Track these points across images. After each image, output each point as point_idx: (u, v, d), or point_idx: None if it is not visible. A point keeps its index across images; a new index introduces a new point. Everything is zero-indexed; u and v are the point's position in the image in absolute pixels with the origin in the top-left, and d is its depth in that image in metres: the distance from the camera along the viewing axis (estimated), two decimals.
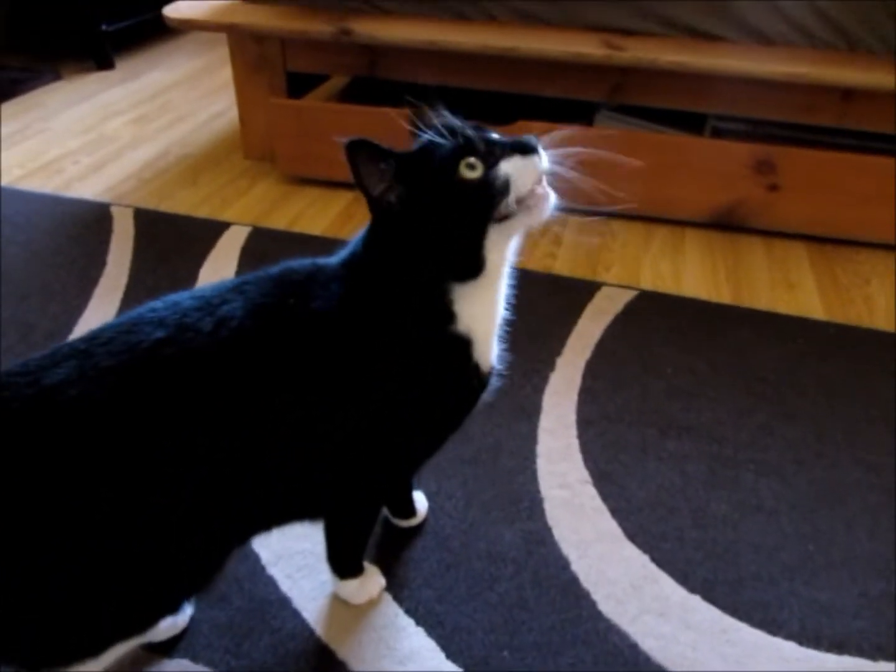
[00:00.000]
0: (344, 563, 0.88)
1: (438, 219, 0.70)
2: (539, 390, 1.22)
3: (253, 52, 1.82)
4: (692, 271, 1.57)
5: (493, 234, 0.70)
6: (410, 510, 0.99)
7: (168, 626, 0.84)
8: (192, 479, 0.66)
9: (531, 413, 1.18)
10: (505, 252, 0.74)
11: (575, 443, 1.12)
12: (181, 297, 0.72)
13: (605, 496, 1.04)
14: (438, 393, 0.78)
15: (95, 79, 2.58)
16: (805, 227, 1.67)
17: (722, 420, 1.17)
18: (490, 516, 1.01)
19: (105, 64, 2.65)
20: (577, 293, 1.46)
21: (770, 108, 1.63)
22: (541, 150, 0.72)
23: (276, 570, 0.93)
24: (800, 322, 1.40)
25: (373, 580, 0.91)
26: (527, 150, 0.71)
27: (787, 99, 1.60)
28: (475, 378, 0.79)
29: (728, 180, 1.66)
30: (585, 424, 1.16)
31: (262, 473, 0.70)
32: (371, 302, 0.73)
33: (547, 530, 0.99)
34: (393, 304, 0.73)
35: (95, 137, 2.12)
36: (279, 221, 1.69)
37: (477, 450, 1.11)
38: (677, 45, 1.60)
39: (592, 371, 1.26)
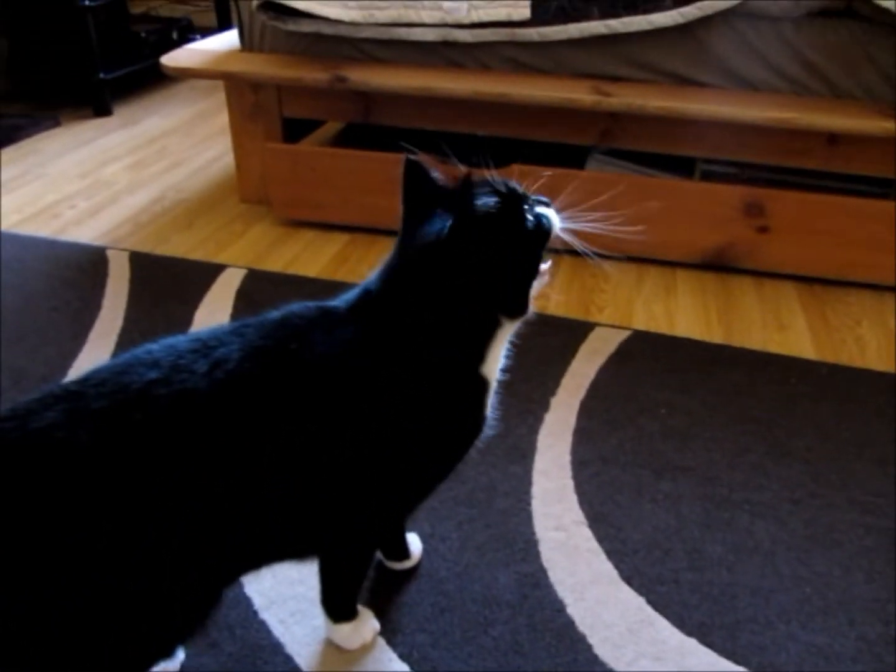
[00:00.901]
0: (339, 605, 0.87)
1: (503, 258, 0.72)
2: (534, 430, 1.22)
3: (249, 99, 1.85)
4: (684, 312, 1.58)
5: None
6: (404, 552, 0.98)
7: None
8: (183, 518, 0.65)
9: (526, 453, 1.17)
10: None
11: (570, 484, 1.12)
12: (178, 339, 0.72)
13: (601, 538, 1.03)
14: (452, 432, 0.79)
15: (93, 125, 2.62)
16: (795, 268, 1.69)
17: (716, 461, 1.17)
18: (485, 559, 1.00)
19: (103, 111, 2.70)
20: (570, 333, 1.47)
21: (758, 152, 1.67)
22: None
23: (268, 615, 0.92)
24: (792, 362, 1.41)
25: (366, 624, 0.89)
26: (548, 203, 0.80)
27: (774, 143, 1.63)
28: (483, 420, 0.81)
29: (718, 222, 1.69)
30: (580, 465, 1.15)
31: (257, 511, 0.69)
32: (396, 339, 0.73)
33: (542, 572, 0.98)
34: (428, 341, 0.74)
35: (92, 182, 2.15)
36: (275, 264, 1.70)
37: (471, 490, 1.10)
38: (664, 91, 1.64)
39: (587, 411, 1.27)
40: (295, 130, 1.96)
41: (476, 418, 0.80)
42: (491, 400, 0.82)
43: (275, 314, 0.75)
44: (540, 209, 0.77)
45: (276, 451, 0.68)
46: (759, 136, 1.62)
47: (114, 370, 0.68)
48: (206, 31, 3.20)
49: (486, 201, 0.72)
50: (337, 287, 1.59)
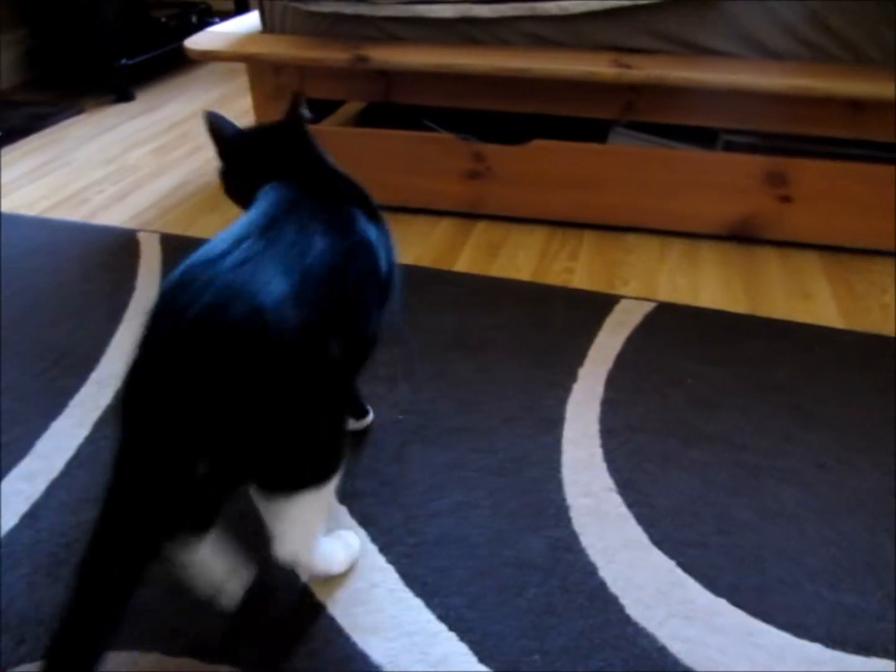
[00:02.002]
0: (328, 456, 0.81)
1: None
2: (562, 401, 1.24)
3: (271, 81, 1.86)
4: (709, 283, 1.59)
5: None
6: (363, 410, 1.17)
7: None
8: None
9: (555, 423, 1.20)
10: None
11: (599, 452, 1.14)
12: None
13: (630, 504, 1.05)
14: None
15: (116, 111, 2.65)
16: (819, 237, 1.69)
17: (742, 428, 1.19)
18: (517, 525, 1.02)
19: (125, 97, 2.73)
20: (596, 306, 1.48)
21: (780, 122, 1.66)
22: None
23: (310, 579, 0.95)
24: (817, 331, 1.42)
25: (347, 542, 0.97)
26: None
27: (796, 112, 1.62)
28: None
29: (741, 193, 1.69)
30: (609, 434, 1.17)
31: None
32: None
33: (574, 537, 1.00)
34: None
35: (118, 168, 2.18)
36: None
37: (502, 461, 1.13)
38: (686, 61, 1.63)
39: (614, 382, 1.28)
40: (316, 111, 1.97)
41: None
42: None
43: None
44: None
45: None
46: (781, 105, 1.61)
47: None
48: (225, 15, 3.21)
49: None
50: None
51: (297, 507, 0.79)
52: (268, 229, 0.80)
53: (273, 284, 0.72)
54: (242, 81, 2.85)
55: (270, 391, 0.70)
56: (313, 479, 0.78)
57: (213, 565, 0.88)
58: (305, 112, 1.02)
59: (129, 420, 0.72)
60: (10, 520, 1.05)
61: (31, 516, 1.06)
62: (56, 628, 0.70)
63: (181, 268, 0.76)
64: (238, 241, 0.77)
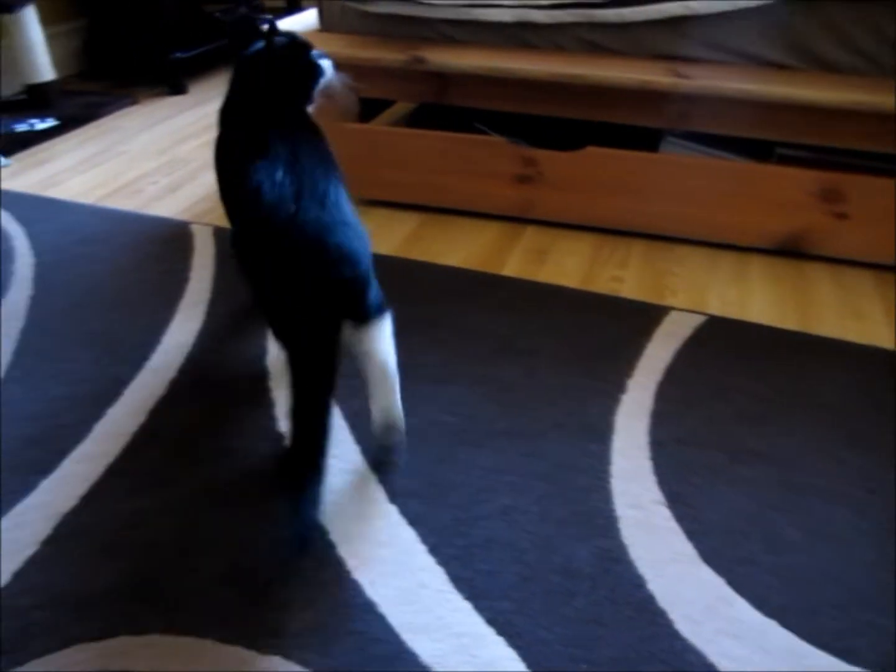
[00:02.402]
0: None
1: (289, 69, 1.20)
2: (611, 411, 1.24)
3: None
4: (759, 298, 1.58)
5: None
6: None
7: None
8: None
9: (603, 433, 1.20)
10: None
11: (647, 464, 1.14)
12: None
13: (679, 518, 1.05)
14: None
15: (169, 103, 2.69)
16: (874, 256, 1.67)
17: (792, 447, 1.18)
18: (565, 532, 1.03)
19: (178, 89, 2.77)
20: (645, 317, 1.48)
21: (839, 136, 1.64)
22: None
23: (359, 576, 0.96)
24: (869, 351, 1.40)
25: None
26: (326, 56, 1.24)
27: (854, 127, 1.60)
28: None
29: (795, 208, 1.67)
30: (657, 446, 1.17)
31: None
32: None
33: (622, 549, 1.01)
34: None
35: (171, 159, 2.22)
36: None
37: (550, 467, 1.13)
38: (743, 73, 1.62)
39: (663, 394, 1.28)
40: (365, 110, 1.99)
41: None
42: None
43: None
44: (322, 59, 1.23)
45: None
46: (840, 120, 1.59)
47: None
48: (276, 12, 3.25)
49: (283, 39, 1.19)
50: (410, 266, 1.63)
51: (378, 337, 1.07)
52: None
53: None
54: None
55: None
56: (381, 310, 1.07)
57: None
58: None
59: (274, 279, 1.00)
60: (70, 501, 1.08)
61: (88, 498, 1.08)
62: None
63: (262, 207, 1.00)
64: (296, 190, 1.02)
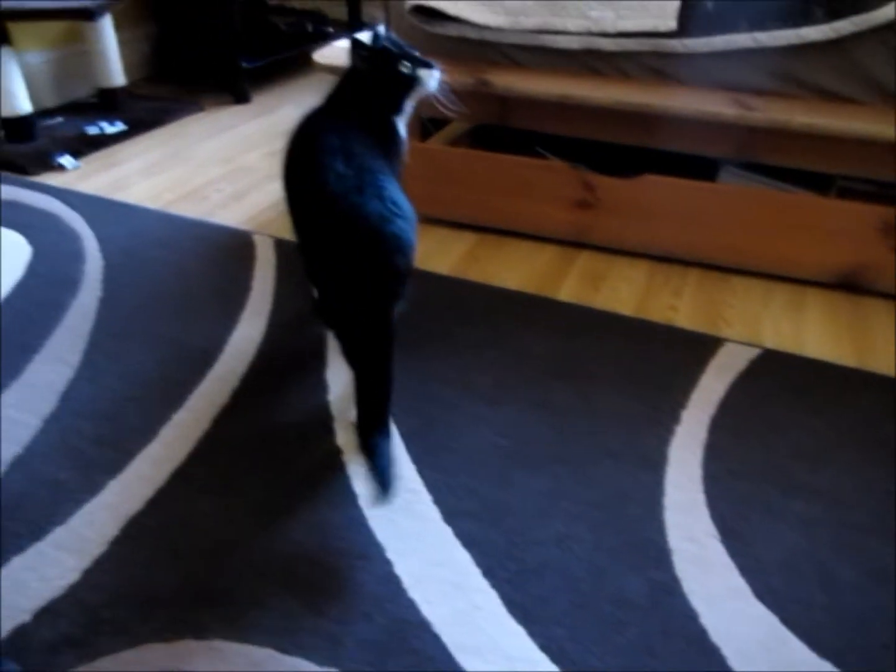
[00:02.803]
0: None
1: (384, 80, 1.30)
2: (665, 441, 1.25)
3: None
4: (815, 332, 1.57)
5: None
6: None
7: None
8: None
9: (657, 463, 1.21)
10: (407, 110, 1.35)
11: (701, 497, 1.15)
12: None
13: (733, 553, 1.06)
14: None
15: (233, 111, 2.76)
16: None
17: (848, 485, 1.18)
18: (618, 562, 1.04)
19: (242, 98, 2.83)
20: (699, 347, 1.48)
21: None
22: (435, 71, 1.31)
23: (416, 594, 0.98)
24: None
25: None
26: (430, 65, 1.31)
27: None
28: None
29: (854, 242, 1.66)
30: (711, 479, 1.18)
31: None
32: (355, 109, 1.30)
33: (675, 582, 1.01)
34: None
35: (235, 168, 2.27)
36: None
37: (604, 495, 1.14)
38: (809, 106, 1.62)
39: (717, 427, 1.28)
40: (426, 128, 2.02)
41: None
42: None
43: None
44: (421, 68, 1.30)
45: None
46: None
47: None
48: (338, 24, 3.31)
49: (376, 48, 1.29)
50: (467, 286, 1.65)
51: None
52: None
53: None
54: None
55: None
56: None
57: None
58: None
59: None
60: (137, 503, 1.12)
61: (154, 501, 1.12)
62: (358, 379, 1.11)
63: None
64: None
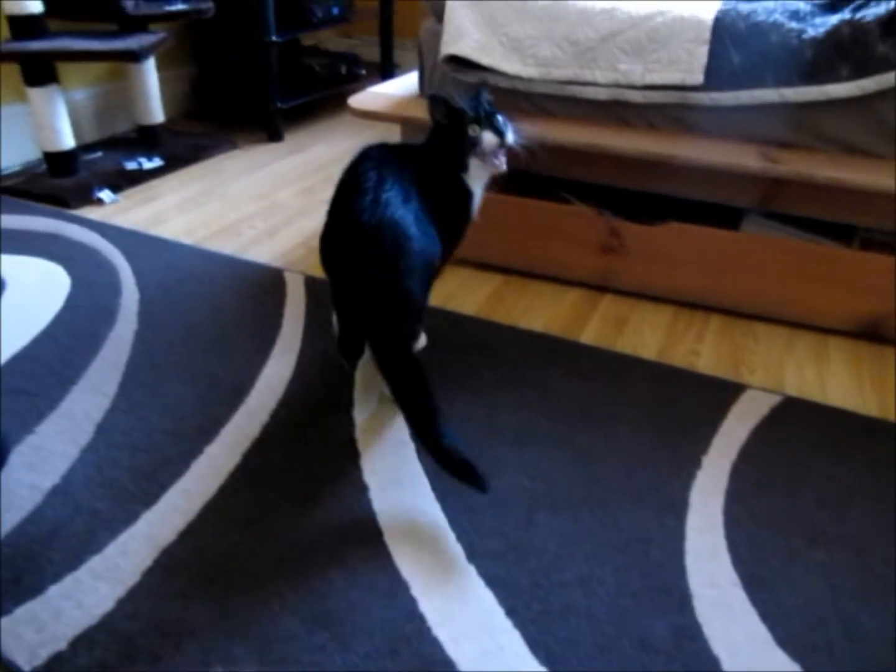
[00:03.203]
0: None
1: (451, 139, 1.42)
2: (686, 486, 1.27)
3: None
4: (837, 380, 1.58)
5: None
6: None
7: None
8: None
9: (679, 508, 1.22)
10: (477, 170, 1.45)
11: (723, 542, 1.16)
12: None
13: (755, 600, 1.07)
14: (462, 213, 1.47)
15: (266, 149, 2.84)
16: None
17: (872, 535, 1.19)
18: (641, 606, 1.05)
19: (276, 136, 2.92)
20: (721, 393, 1.50)
21: None
22: (507, 133, 1.42)
23: (441, 632, 1.00)
24: None
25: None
26: (497, 132, 1.41)
27: None
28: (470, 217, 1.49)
29: (876, 293, 1.68)
30: (733, 525, 1.19)
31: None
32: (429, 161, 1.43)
33: (697, 627, 1.03)
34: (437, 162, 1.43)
35: (268, 205, 2.34)
36: (434, 299, 1.81)
37: (627, 539, 1.16)
38: (835, 160, 1.65)
39: (739, 473, 1.30)
40: None
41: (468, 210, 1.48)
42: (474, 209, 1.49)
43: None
44: (485, 130, 1.40)
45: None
46: None
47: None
48: (370, 66, 3.40)
49: (442, 117, 1.43)
50: (493, 327, 1.68)
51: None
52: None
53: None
54: (385, 129, 3.00)
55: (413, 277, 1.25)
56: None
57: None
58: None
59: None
60: (170, 535, 1.15)
61: (187, 532, 1.15)
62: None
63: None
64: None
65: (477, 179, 1.46)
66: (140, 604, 1.04)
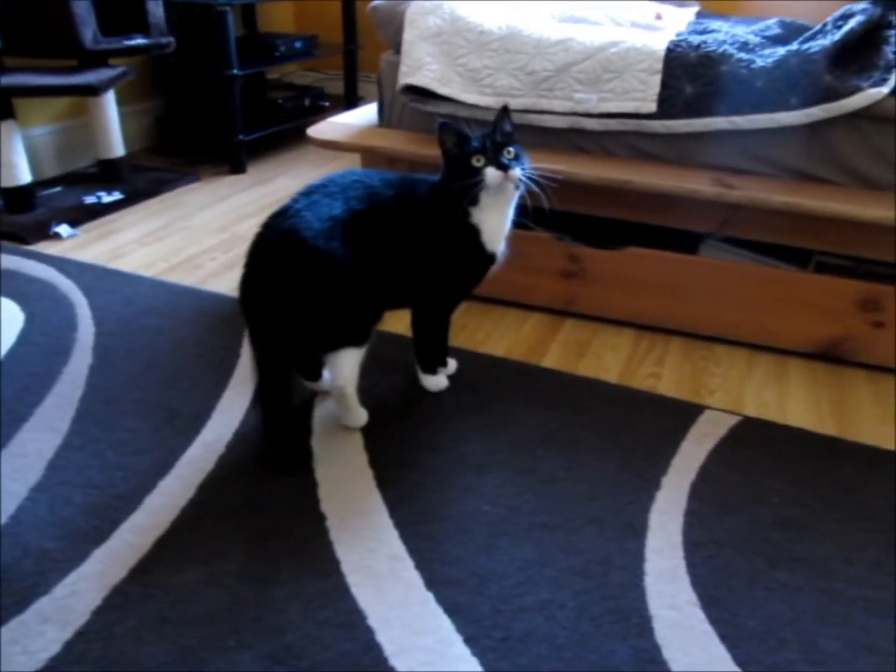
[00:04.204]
0: (425, 359, 1.56)
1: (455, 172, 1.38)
2: (646, 508, 1.26)
3: None
4: (796, 401, 1.60)
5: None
6: (444, 361, 1.60)
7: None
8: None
9: (639, 530, 1.22)
10: (488, 201, 1.39)
11: (682, 564, 1.16)
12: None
13: (714, 621, 1.06)
14: (460, 252, 1.43)
15: (229, 182, 2.83)
16: None
17: (832, 555, 1.19)
18: (601, 630, 1.04)
19: (238, 169, 2.91)
20: (680, 415, 1.51)
21: (877, 249, 1.69)
22: (513, 168, 1.35)
23: (398, 662, 0.98)
24: None
25: (442, 377, 1.59)
26: (501, 166, 1.35)
27: (892, 241, 1.65)
28: (482, 252, 1.45)
29: (833, 315, 1.71)
30: (692, 547, 1.19)
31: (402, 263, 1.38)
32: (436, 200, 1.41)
33: (657, 649, 1.02)
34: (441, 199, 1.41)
35: (230, 237, 2.33)
36: (396, 325, 1.80)
37: (587, 562, 1.15)
38: (787, 186, 1.68)
39: (697, 494, 1.30)
40: None
41: (473, 248, 1.44)
42: (492, 243, 1.45)
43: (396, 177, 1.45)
44: (488, 166, 1.35)
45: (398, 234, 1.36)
46: (878, 234, 1.64)
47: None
48: (335, 99, 3.43)
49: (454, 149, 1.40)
50: (455, 354, 1.67)
51: (336, 365, 1.36)
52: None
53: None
54: (348, 161, 3.02)
55: (306, 281, 1.25)
56: (338, 343, 1.33)
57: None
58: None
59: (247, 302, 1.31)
60: (121, 572, 1.12)
61: (138, 569, 1.13)
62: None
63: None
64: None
65: (491, 211, 1.40)
66: (89, 646, 1.01)
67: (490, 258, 1.46)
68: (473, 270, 1.48)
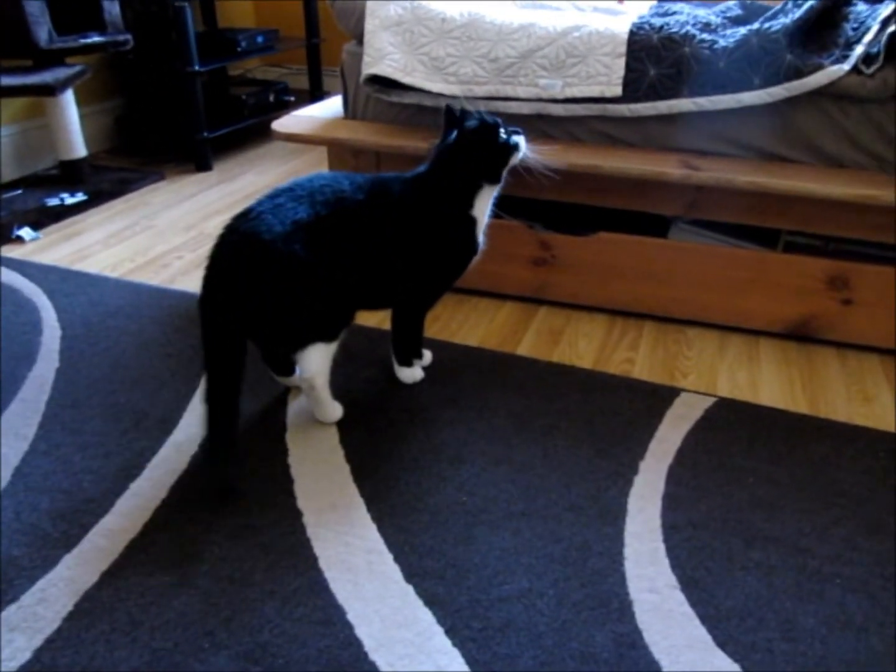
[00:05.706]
0: (401, 352, 1.54)
1: (483, 153, 1.39)
2: (624, 493, 1.26)
3: (350, 163, 1.97)
4: (768, 381, 1.61)
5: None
6: (419, 353, 1.58)
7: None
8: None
9: (617, 515, 1.22)
10: (486, 191, 1.43)
11: (661, 547, 1.16)
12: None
13: (694, 602, 1.06)
14: (456, 245, 1.44)
15: (195, 180, 2.79)
16: (880, 340, 1.70)
17: (806, 532, 1.19)
18: (581, 616, 1.04)
19: (204, 166, 2.87)
20: (656, 398, 1.51)
21: (843, 226, 1.70)
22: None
23: (378, 657, 0.97)
24: (879, 436, 1.42)
25: (418, 369, 1.56)
26: (519, 132, 1.42)
27: (858, 218, 1.66)
28: (475, 243, 1.46)
29: (802, 294, 1.72)
30: (671, 530, 1.19)
31: (375, 265, 1.34)
32: (429, 191, 1.39)
33: (637, 634, 1.01)
34: (443, 193, 1.39)
35: (197, 235, 2.29)
36: (369, 319, 1.79)
37: (566, 549, 1.15)
38: (752, 166, 1.69)
39: (675, 476, 1.30)
40: None
41: (469, 240, 1.44)
42: (480, 234, 1.46)
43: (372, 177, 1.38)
44: (514, 136, 1.39)
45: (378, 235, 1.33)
46: (844, 211, 1.65)
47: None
48: (300, 94, 3.39)
49: (472, 123, 1.36)
50: (429, 345, 1.66)
51: (305, 360, 1.33)
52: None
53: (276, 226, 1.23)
54: (315, 155, 2.99)
55: (267, 283, 1.22)
56: (304, 341, 1.31)
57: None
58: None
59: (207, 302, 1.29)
60: (91, 577, 1.09)
61: (109, 574, 1.10)
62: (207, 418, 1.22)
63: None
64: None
65: (486, 200, 1.43)
66: (59, 653, 0.99)
67: (476, 249, 1.47)
68: (463, 263, 1.48)
